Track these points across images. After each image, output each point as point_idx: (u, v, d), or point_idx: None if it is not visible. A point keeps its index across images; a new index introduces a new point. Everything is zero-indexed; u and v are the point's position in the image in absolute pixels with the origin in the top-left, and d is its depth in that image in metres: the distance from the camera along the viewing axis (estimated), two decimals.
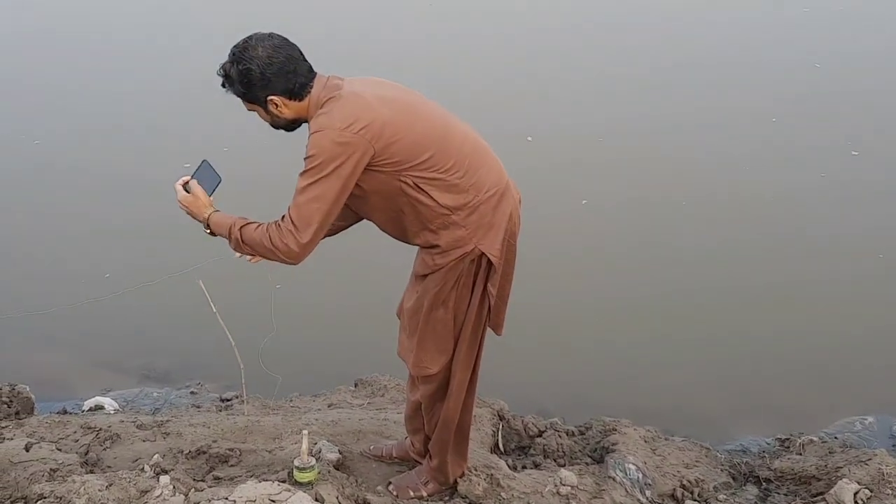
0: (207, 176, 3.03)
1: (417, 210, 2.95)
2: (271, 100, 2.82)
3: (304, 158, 2.79)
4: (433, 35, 11.02)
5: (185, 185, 2.99)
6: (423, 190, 2.91)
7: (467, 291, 3.11)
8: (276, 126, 2.96)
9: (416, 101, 2.98)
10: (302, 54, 2.85)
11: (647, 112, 8.75)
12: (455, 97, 8.50)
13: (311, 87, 2.86)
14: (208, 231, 3.01)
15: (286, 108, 2.86)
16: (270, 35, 2.82)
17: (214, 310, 3.72)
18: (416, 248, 3.17)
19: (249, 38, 2.81)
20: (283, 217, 2.83)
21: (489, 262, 3.05)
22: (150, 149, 8.09)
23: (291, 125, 2.95)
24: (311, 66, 2.87)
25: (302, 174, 2.79)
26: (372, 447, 3.88)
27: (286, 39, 2.83)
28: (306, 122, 2.91)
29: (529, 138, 8.18)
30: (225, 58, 2.82)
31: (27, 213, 7.18)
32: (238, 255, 3.05)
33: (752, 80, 9.42)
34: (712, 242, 6.69)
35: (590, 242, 6.68)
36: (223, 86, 2.87)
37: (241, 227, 2.90)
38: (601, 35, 10.96)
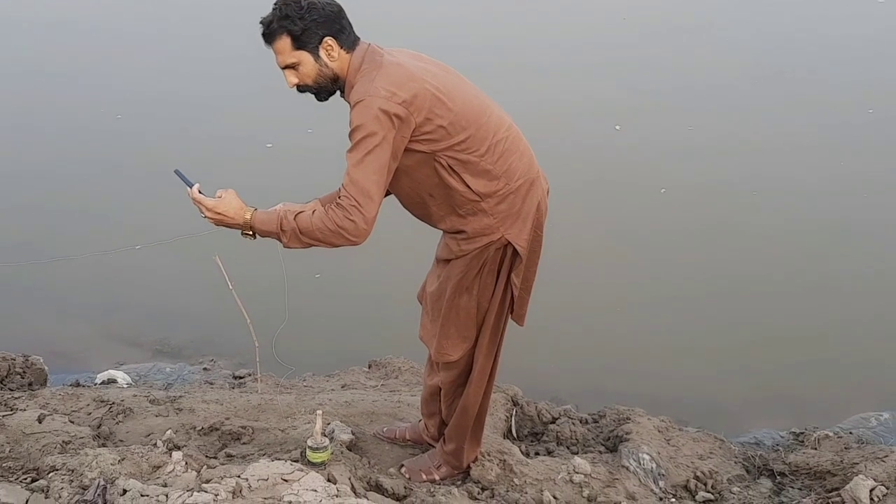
0: (188, 183, 2.86)
1: (448, 194, 2.91)
2: (327, 41, 2.74)
3: (351, 132, 2.70)
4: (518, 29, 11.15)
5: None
6: (456, 173, 2.86)
7: (492, 279, 3.08)
8: (315, 84, 2.81)
9: (456, 79, 2.93)
10: None
11: (739, 104, 8.86)
12: (542, 86, 8.85)
13: (357, 45, 2.82)
14: (249, 234, 2.82)
15: (337, 56, 2.77)
16: None
17: (231, 287, 3.70)
18: (438, 230, 3.14)
19: None
20: (340, 196, 2.70)
21: (515, 252, 3.02)
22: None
23: (331, 85, 2.83)
24: None
25: (352, 149, 2.70)
26: (385, 429, 3.87)
27: None
28: (341, 89, 2.84)
29: (617, 127, 8.22)
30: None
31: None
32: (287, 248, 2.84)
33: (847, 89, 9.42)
34: (745, 232, 6.68)
35: (629, 231, 6.67)
36: (266, 35, 2.74)
37: (296, 217, 2.73)
38: (691, 30, 11.02)
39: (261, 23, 2.75)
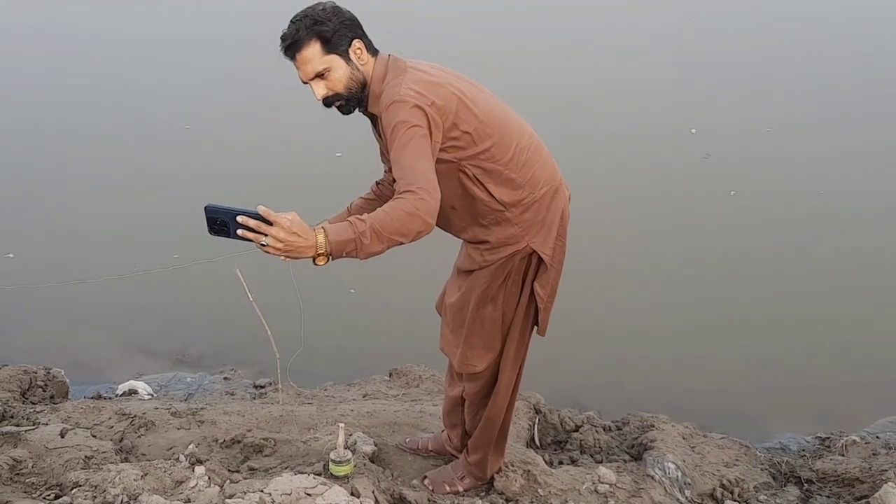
0: (231, 213, 2.36)
1: (471, 205, 2.89)
2: (356, 44, 2.70)
3: (392, 129, 2.60)
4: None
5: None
6: (480, 183, 2.84)
7: (516, 289, 3.06)
8: (346, 91, 2.72)
9: (477, 89, 2.89)
10: None
11: (823, 103, 8.88)
12: (619, 88, 9.11)
13: (378, 55, 2.78)
14: (323, 255, 2.39)
15: (366, 59, 2.72)
16: None
17: (251, 298, 3.68)
18: (455, 239, 3.11)
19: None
20: (402, 187, 2.49)
21: (539, 260, 2.99)
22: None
23: (360, 92, 2.74)
24: None
25: (398, 143, 2.57)
26: (407, 440, 3.85)
27: None
28: (364, 102, 2.78)
29: (693, 130, 8.29)
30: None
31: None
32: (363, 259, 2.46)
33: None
34: (771, 236, 6.65)
35: (653, 235, 6.64)
36: (293, 45, 2.64)
37: (367, 215, 2.42)
38: (764, 27, 11.11)
39: (283, 37, 2.67)
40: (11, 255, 6.36)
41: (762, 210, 6.92)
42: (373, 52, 2.77)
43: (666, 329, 5.60)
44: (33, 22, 11.75)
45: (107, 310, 5.84)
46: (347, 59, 2.70)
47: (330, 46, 2.66)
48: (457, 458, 3.62)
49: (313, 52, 2.66)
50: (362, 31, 2.74)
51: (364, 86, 2.75)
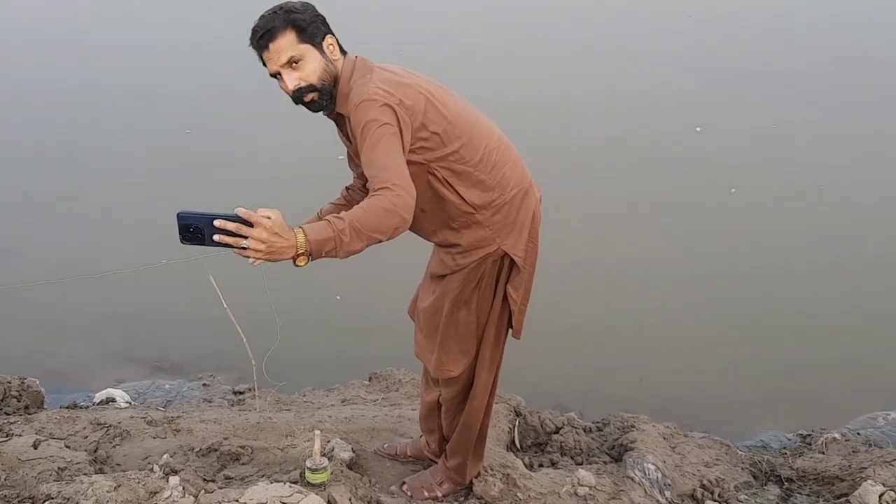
0: (206, 218, 2.25)
1: (440, 207, 2.86)
2: (329, 39, 2.66)
3: (363, 129, 2.55)
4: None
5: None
6: (450, 185, 2.81)
7: (490, 292, 3.03)
8: (319, 83, 2.65)
9: (445, 91, 2.86)
10: None
11: (828, 103, 8.97)
12: (627, 90, 9.16)
13: (346, 55, 2.74)
14: (303, 256, 2.29)
15: (337, 56, 2.69)
16: None
17: (225, 305, 3.65)
18: (430, 243, 3.09)
19: None
20: (376, 185, 2.44)
21: (511, 262, 2.97)
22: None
23: (332, 87, 2.69)
24: None
25: (369, 141, 2.52)
26: (386, 445, 3.82)
27: None
28: (332, 100, 2.73)
29: (698, 129, 8.34)
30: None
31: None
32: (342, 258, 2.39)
33: None
34: (748, 231, 6.70)
35: (629, 234, 6.64)
36: (266, 34, 2.58)
37: (351, 219, 2.34)
38: (771, 28, 11.21)
39: (255, 29, 2.61)
40: None
41: (753, 211, 6.94)
42: (342, 51, 2.74)
43: (647, 329, 5.59)
44: (29, 25, 11.70)
45: (84, 317, 5.79)
46: (321, 51, 2.66)
47: (305, 36, 2.61)
48: (435, 463, 3.59)
49: (288, 41, 2.60)
50: (332, 30, 2.71)
51: (336, 81, 2.71)
